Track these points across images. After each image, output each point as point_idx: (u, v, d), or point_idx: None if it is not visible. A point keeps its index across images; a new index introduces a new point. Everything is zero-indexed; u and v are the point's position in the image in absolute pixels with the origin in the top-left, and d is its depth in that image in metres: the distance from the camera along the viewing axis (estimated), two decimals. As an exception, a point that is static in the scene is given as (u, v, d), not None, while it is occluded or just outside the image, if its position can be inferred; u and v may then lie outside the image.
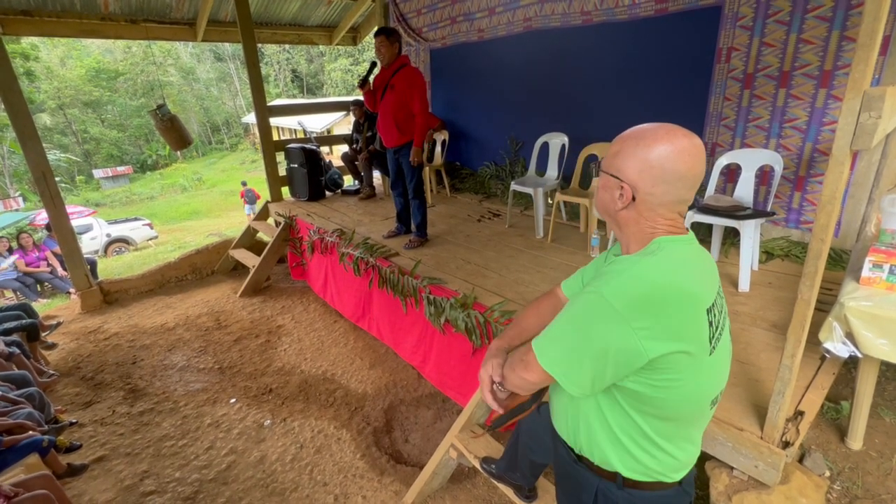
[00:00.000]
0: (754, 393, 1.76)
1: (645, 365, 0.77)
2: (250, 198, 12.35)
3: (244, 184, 13.19)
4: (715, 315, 0.83)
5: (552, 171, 3.89)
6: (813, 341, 1.78)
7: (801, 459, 1.88)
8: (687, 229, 0.90)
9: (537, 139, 3.99)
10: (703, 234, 3.21)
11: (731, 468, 1.65)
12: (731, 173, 3.12)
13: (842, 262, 2.68)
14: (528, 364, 0.88)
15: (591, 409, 0.91)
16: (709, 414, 0.92)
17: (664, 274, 0.79)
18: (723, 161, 2.81)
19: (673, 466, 0.91)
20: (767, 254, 2.98)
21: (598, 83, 3.86)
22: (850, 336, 1.69)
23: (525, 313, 1.21)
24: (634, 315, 0.75)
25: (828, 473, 1.88)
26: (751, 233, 2.49)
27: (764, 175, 3.01)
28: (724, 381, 0.91)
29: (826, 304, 2.00)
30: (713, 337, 0.82)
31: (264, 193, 5.59)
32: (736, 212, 2.56)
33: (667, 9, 3.26)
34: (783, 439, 1.55)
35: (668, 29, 3.29)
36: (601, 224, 3.45)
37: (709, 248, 3.02)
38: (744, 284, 2.55)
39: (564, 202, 3.93)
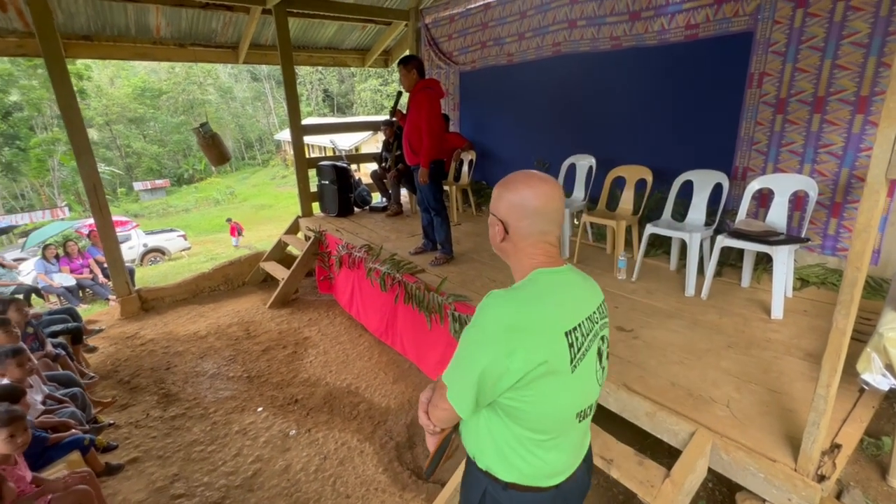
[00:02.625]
0: (788, 423, 1.72)
1: (515, 383, 0.90)
2: (238, 231, 13.43)
3: (230, 220, 14.22)
4: (577, 337, 0.94)
5: (579, 192, 3.91)
6: (850, 372, 1.74)
7: (839, 496, 1.81)
8: (564, 262, 1.04)
9: (564, 160, 4.03)
10: (733, 258, 3.16)
11: (763, 500, 1.60)
12: (764, 198, 3.07)
13: (882, 291, 2.59)
14: (444, 397, 1.00)
15: (480, 420, 1.03)
16: (579, 426, 1.03)
17: (526, 304, 0.92)
18: (754, 185, 2.78)
19: (545, 472, 1.01)
20: (802, 281, 2.91)
21: (627, 107, 3.89)
22: (889, 367, 1.64)
23: None
24: (502, 340, 0.89)
25: (868, 512, 1.80)
26: (784, 259, 2.44)
27: (798, 200, 2.96)
28: (591, 396, 1.02)
29: (864, 334, 1.95)
30: (575, 357, 0.93)
31: (295, 209, 5.78)
32: (768, 237, 2.52)
33: (697, 35, 3.29)
34: (818, 472, 1.51)
35: (698, 54, 3.32)
36: (628, 246, 3.43)
37: (740, 274, 2.97)
38: (777, 311, 2.49)
39: (591, 223, 3.93)
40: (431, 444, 1.16)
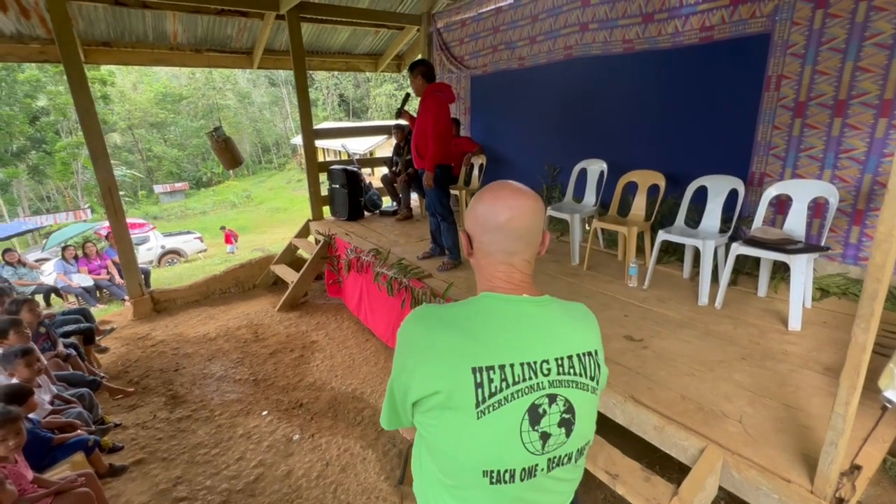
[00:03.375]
0: (804, 442, 1.64)
1: (415, 402, 0.84)
2: (234, 238, 13.76)
3: (223, 228, 14.56)
4: (492, 379, 0.78)
5: (590, 197, 3.84)
6: (872, 388, 1.65)
7: (859, 519, 1.71)
8: (536, 292, 0.90)
9: (575, 165, 3.96)
10: (749, 267, 3.06)
11: (777, 523, 1.52)
12: (781, 205, 2.97)
13: (907, 304, 2.48)
14: None
15: (416, 441, 0.97)
16: (489, 489, 0.82)
17: (437, 324, 0.85)
18: (771, 192, 2.69)
19: None
20: (822, 291, 2.80)
21: (639, 110, 3.81)
22: (914, 385, 1.55)
23: None
24: (406, 356, 0.86)
25: (891, 538, 1.71)
26: (802, 268, 2.35)
27: (818, 207, 2.86)
28: (512, 461, 0.80)
29: (888, 348, 1.85)
30: (483, 400, 0.78)
31: (309, 212, 5.80)
32: (785, 245, 2.43)
33: (712, 37, 3.21)
34: (836, 495, 1.42)
35: (713, 57, 3.23)
36: (640, 253, 3.35)
37: (756, 283, 2.87)
38: (794, 323, 2.39)
39: (602, 229, 3.86)
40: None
